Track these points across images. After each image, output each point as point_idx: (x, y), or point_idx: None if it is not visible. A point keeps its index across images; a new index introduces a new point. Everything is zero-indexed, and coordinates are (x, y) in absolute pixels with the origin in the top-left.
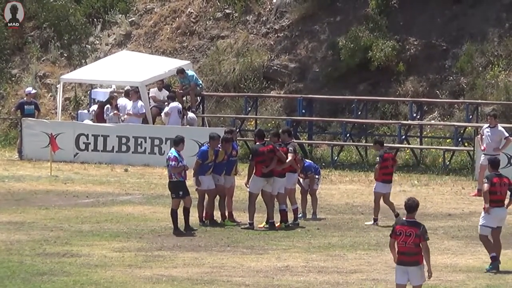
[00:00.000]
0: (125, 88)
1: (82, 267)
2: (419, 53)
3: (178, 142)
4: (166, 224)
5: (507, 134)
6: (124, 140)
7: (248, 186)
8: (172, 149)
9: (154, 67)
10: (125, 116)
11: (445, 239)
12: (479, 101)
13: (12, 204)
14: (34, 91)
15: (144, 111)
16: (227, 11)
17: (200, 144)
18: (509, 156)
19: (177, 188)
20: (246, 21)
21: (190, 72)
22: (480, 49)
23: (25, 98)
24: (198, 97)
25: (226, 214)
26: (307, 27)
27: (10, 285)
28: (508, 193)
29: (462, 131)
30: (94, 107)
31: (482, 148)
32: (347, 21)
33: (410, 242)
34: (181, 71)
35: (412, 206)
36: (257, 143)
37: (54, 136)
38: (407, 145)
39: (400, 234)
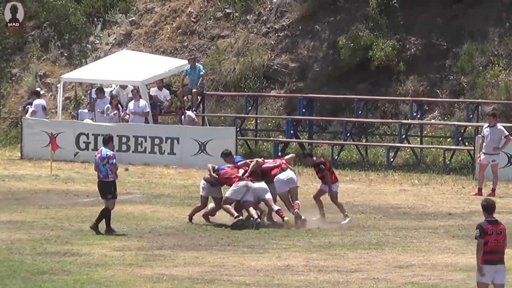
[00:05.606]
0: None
1: (83, 266)
2: (419, 53)
3: (108, 140)
4: (166, 223)
5: (507, 133)
6: (124, 140)
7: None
8: (103, 147)
9: (154, 67)
10: (128, 115)
11: (446, 238)
12: (480, 100)
13: (13, 203)
14: (42, 91)
15: (148, 109)
16: (227, 10)
17: (200, 143)
18: (509, 156)
19: (114, 188)
20: (247, 20)
21: (200, 65)
22: (480, 48)
23: (31, 99)
24: (198, 96)
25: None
26: (308, 27)
27: (11, 284)
28: None
29: (462, 131)
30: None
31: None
32: (348, 21)
33: (501, 240)
34: (193, 59)
35: (493, 206)
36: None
37: (55, 136)
38: (407, 145)
39: (492, 234)
